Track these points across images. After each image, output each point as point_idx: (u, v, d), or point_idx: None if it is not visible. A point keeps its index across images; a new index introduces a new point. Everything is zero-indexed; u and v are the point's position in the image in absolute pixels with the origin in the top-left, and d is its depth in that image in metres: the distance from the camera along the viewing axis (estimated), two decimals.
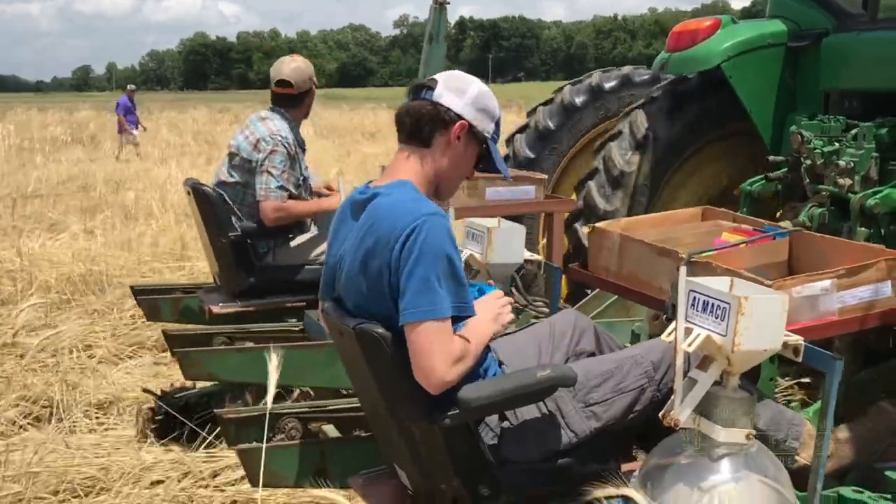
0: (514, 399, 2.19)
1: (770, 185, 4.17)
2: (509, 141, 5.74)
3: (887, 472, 2.31)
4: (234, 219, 4.10)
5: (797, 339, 1.93)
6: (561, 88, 5.72)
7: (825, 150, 3.85)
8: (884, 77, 4.03)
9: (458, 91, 2.30)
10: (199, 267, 6.55)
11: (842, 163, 3.77)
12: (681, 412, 1.93)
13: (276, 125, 4.18)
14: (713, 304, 1.90)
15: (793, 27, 4.43)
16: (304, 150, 4.33)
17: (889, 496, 2.26)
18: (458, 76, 2.38)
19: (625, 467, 2.32)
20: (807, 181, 3.95)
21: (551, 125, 5.53)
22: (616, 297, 3.98)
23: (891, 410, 2.50)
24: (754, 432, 1.95)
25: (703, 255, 2.58)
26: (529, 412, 2.27)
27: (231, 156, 4.27)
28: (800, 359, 1.92)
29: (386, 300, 2.15)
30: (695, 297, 1.94)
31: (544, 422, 2.25)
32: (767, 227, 2.85)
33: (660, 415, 1.98)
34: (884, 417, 2.50)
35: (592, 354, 2.60)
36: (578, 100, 5.54)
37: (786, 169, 4.12)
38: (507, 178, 2.34)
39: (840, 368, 1.87)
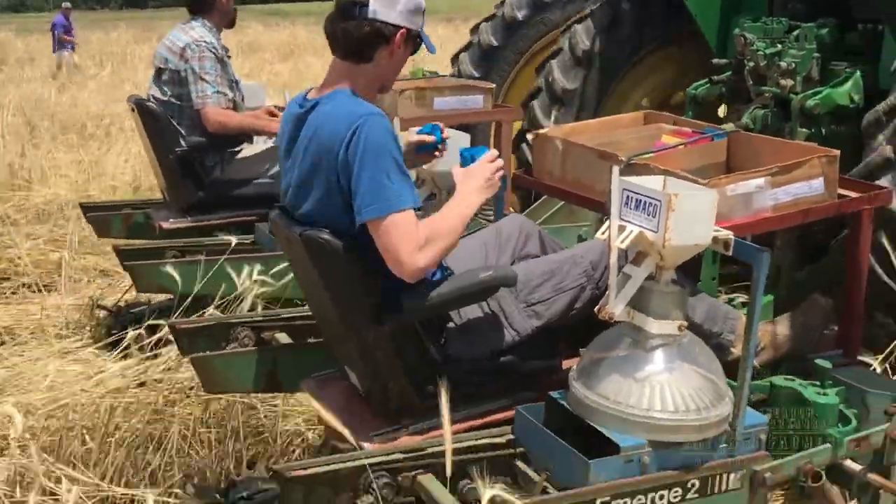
0: (458, 300, 2.25)
1: (714, 88, 4.20)
2: (454, 60, 5.70)
3: (817, 362, 2.42)
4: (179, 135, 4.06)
5: (727, 234, 1.99)
6: (502, 2, 5.62)
7: (767, 51, 3.86)
8: None
9: (390, 2, 2.27)
10: (147, 183, 6.46)
11: (784, 64, 3.79)
12: (615, 306, 2.00)
13: (198, 32, 4.14)
14: (645, 202, 1.95)
15: None
16: (229, 58, 4.28)
17: (818, 383, 2.37)
18: None
19: (566, 364, 2.40)
20: (750, 83, 3.97)
21: (495, 42, 5.48)
22: (562, 203, 4.04)
23: (823, 302, 2.60)
24: (686, 324, 2.03)
25: (643, 157, 2.61)
26: (473, 312, 2.33)
27: (158, 71, 4.20)
28: (730, 252, 1.98)
29: (337, 204, 2.17)
30: (628, 196, 1.98)
31: (488, 321, 2.32)
32: (707, 129, 2.88)
33: (595, 309, 2.05)
34: (816, 310, 2.60)
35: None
36: (520, 14, 5.46)
37: (729, 72, 4.15)
38: (431, 52, 2.36)
39: (767, 261, 1.93)
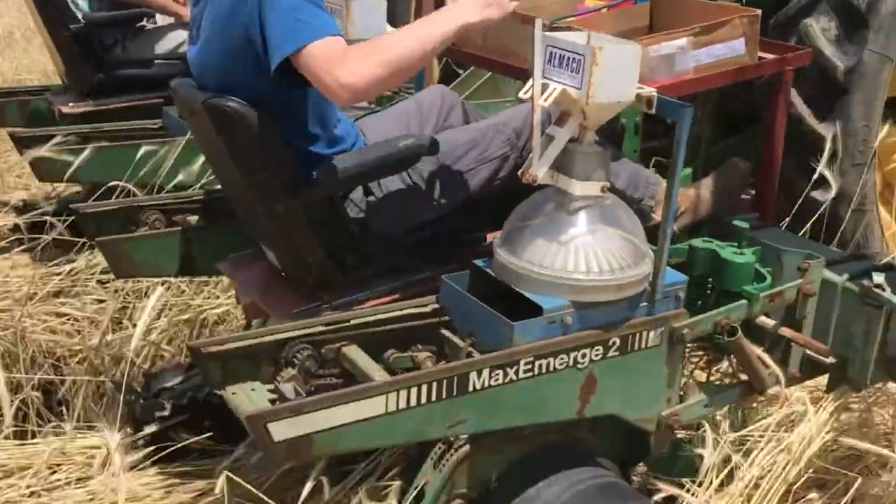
0: (376, 170, 2.17)
1: None
2: None
3: (735, 223, 2.44)
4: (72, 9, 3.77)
5: (650, 91, 1.94)
6: None
7: None
8: None
9: None
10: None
11: None
12: (539, 168, 1.95)
13: None
14: (569, 58, 1.88)
15: None
16: None
17: (736, 244, 2.41)
18: None
19: (490, 237, 2.37)
20: None
21: None
22: (486, 76, 3.95)
23: (742, 165, 2.62)
24: (608, 185, 2.00)
25: (565, 20, 2.53)
26: (395, 184, 2.26)
27: None
28: (653, 110, 1.94)
29: (245, 66, 2.03)
30: (551, 52, 1.91)
31: (409, 193, 2.26)
32: None
33: (519, 173, 2.01)
34: (734, 172, 2.61)
35: None
36: None
37: None
38: None
39: (690, 116, 1.90)
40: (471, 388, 1.87)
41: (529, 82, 1.96)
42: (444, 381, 1.83)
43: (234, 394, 1.89)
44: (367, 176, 2.18)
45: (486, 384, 1.88)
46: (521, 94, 1.99)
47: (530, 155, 1.98)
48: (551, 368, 1.95)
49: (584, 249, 2.00)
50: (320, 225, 2.14)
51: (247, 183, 2.18)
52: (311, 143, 2.14)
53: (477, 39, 2.87)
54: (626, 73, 1.88)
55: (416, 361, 2.02)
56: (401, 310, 2.12)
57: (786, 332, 2.31)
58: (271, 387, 1.93)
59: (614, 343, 2.02)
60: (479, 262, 2.15)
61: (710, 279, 2.39)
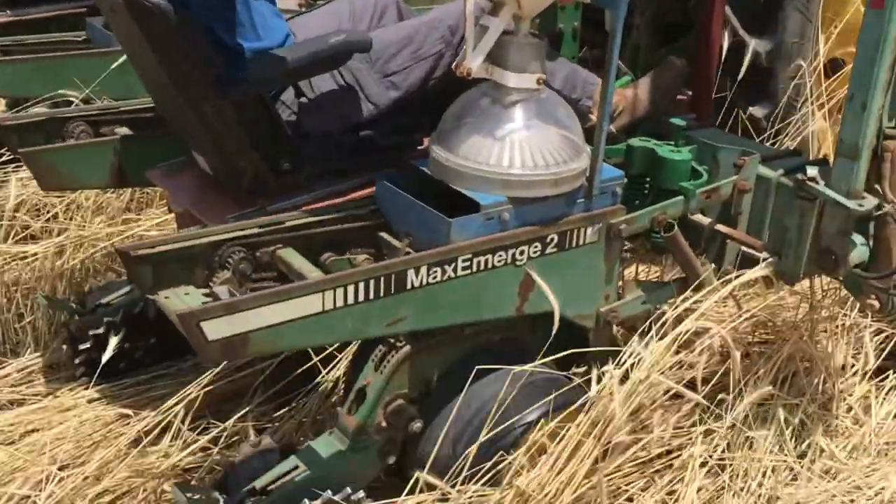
0: (307, 67, 2.11)
1: None
2: None
3: (672, 121, 2.44)
4: None
5: None
6: None
7: None
8: None
9: None
10: None
11: None
12: (473, 60, 1.91)
13: None
14: None
15: None
16: None
17: (672, 142, 2.41)
18: None
19: (427, 140, 2.33)
20: None
21: None
22: None
23: (678, 63, 2.60)
24: (544, 77, 1.97)
25: None
26: (327, 84, 2.20)
27: None
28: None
29: None
30: None
31: (343, 94, 2.20)
32: None
33: (452, 66, 1.96)
34: (671, 70, 2.60)
35: None
36: None
37: None
38: None
39: (625, 6, 1.87)
40: (409, 286, 1.86)
41: None
42: (382, 278, 1.81)
43: (166, 298, 1.85)
44: (298, 73, 2.12)
45: (425, 282, 1.87)
46: None
47: (464, 48, 1.94)
48: (489, 265, 1.95)
49: (520, 144, 1.98)
50: (252, 126, 2.08)
51: (172, 83, 2.10)
52: (239, 38, 2.05)
53: None
54: None
55: (354, 264, 2.00)
56: (337, 212, 2.09)
57: (721, 228, 2.33)
58: (206, 291, 1.89)
59: (552, 240, 2.02)
60: (415, 163, 2.12)
61: (648, 178, 2.40)
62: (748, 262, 2.39)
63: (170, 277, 1.88)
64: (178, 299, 1.83)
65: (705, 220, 2.34)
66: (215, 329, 1.65)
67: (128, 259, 1.84)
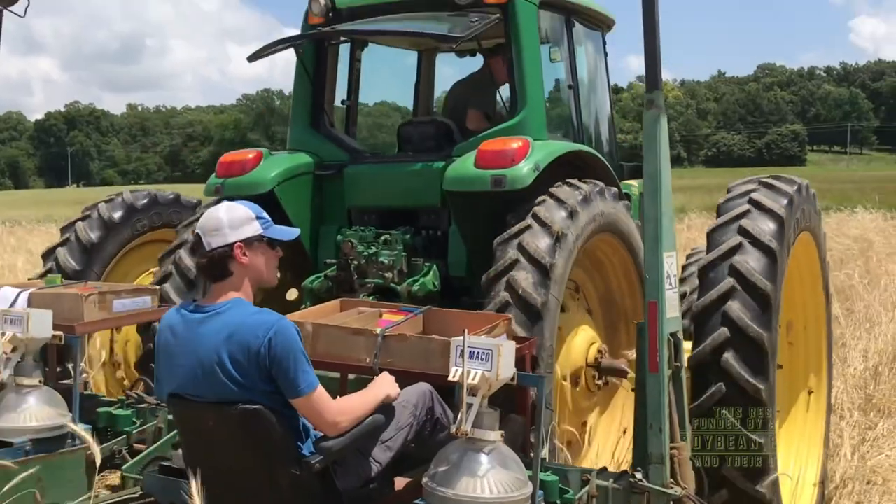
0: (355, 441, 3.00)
1: (325, 281, 5.28)
2: (50, 254, 5.86)
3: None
4: None
5: (513, 371, 3.06)
6: (96, 205, 6.14)
7: (367, 252, 5.13)
8: (388, 197, 5.49)
9: (216, 231, 2.99)
10: None
11: (384, 261, 5.09)
12: (468, 425, 2.90)
13: None
14: (479, 352, 2.94)
15: (317, 159, 5.66)
16: None
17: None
18: (212, 221, 3.01)
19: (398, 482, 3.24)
20: (355, 277, 5.17)
21: (94, 238, 5.90)
22: None
23: (517, 419, 3.75)
24: (503, 433, 3.02)
25: (391, 329, 3.58)
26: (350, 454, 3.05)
27: None
28: (515, 382, 3.05)
29: (258, 387, 2.82)
30: (472, 351, 2.94)
31: (360, 458, 3.08)
32: (405, 307, 3.96)
33: (452, 430, 2.92)
34: (511, 426, 3.76)
35: None
36: (116, 215, 6.04)
37: (336, 269, 5.28)
38: (286, 238, 3.21)
39: (545, 384, 3.06)
40: None
41: (454, 368, 2.94)
42: None
43: None
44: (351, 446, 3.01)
45: None
46: (449, 378, 2.95)
47: (458, 415, 2.92)
48: None
49: (491, 479, 2.95)
50: (314, 488, 2.88)
51: (264, 466, 2.84)
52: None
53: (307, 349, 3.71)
54: (511, 359, 2.99)
55: None
56: None
57: None
58: None
59: None
60: (418, 502, 2.93)
61: None
62: None
63: None
64: None
65: None
66: None
67: None
